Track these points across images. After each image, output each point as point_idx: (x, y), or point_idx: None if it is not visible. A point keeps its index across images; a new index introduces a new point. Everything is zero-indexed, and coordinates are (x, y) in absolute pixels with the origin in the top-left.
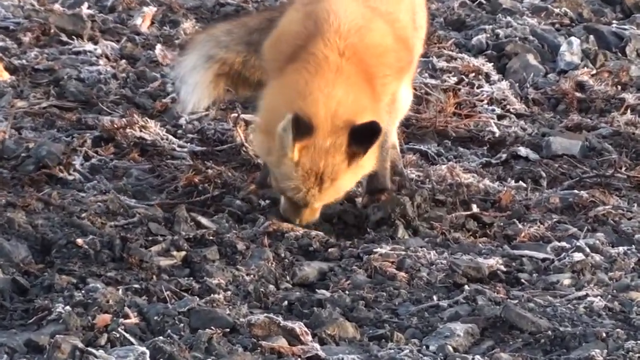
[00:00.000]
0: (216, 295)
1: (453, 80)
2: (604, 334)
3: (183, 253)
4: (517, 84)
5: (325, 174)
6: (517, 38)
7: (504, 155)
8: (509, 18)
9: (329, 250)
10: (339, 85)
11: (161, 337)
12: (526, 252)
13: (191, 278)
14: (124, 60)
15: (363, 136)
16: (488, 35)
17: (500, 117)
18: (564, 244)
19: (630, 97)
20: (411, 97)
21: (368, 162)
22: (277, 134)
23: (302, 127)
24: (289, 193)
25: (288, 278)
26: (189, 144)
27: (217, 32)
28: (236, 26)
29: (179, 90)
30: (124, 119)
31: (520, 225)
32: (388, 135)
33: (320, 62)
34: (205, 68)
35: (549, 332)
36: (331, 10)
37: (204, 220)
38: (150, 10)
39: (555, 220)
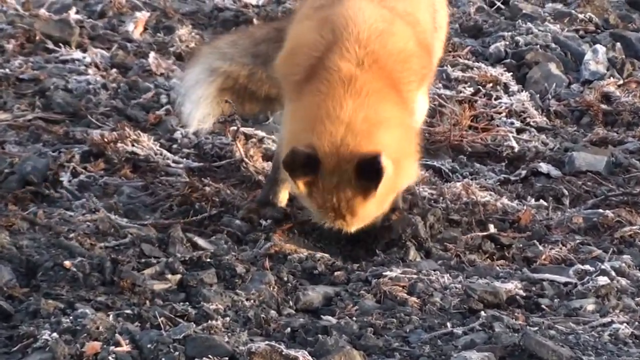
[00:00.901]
0: (214, 322)
1: (469, 91)
2: None
3: (178, 276)
4: (538, 95)
5: (342, 209)
6: (538, 46)
7: (524, 172)
8: (529, 24)
9: (335, 273)
10: (349, 102)
11: None
12: (547, 275)
13: (187, 303)
14: (114, 69)
15: (369, 171)
16: (507, 42)
17: (519, 131)
18: (587, 267)
19: None
20: (427, 107)
21: (387, 191)
22: None
23: (298, 162)
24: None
25: (291, 303)
26: (184, 159)
27: (221, 43)
28: (241, 37)
29: (182, 107)
30: (114, 133)
31: (540, 247)
32: None
33: (333, 76)
34: (209, 82)
35: None
36: (348, 17)
37: (200, 241)
38: (143, 15)
39: (578, 241)
